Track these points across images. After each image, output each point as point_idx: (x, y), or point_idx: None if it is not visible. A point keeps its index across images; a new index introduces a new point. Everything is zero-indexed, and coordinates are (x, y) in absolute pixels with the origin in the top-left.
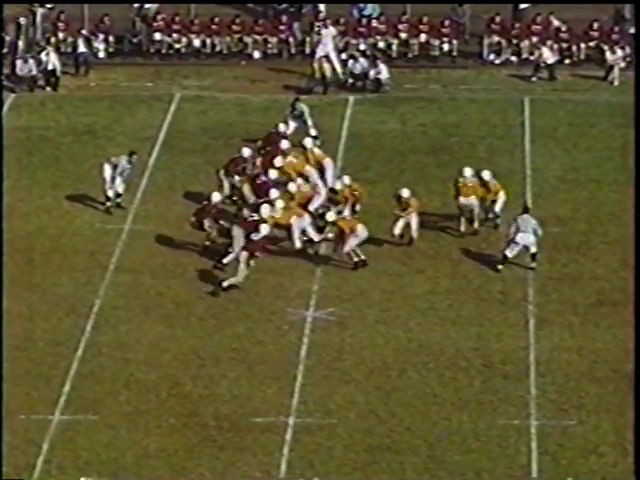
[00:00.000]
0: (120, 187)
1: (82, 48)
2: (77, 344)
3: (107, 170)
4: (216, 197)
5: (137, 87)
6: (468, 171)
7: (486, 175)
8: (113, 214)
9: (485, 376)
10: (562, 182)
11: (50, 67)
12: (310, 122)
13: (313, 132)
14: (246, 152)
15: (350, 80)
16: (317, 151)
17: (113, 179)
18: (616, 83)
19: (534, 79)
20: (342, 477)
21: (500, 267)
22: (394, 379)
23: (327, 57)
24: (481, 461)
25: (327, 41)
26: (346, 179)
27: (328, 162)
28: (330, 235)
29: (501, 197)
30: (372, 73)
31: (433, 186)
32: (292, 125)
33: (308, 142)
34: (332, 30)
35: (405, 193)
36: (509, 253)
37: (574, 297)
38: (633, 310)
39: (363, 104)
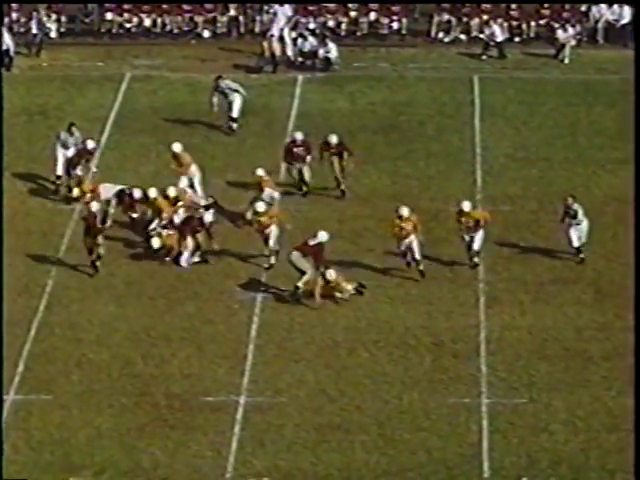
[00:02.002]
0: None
1: (35, 29)
2: (30, 324)
3: (58, 149)
4: (95, 206)
5: (88, 67)
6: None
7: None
8: (65, 195)
9: (435, 354)
10: (512, 160)
11: (4, 47)
12: (239, 101)
13: (235, 113)
14: (90, 144)
15: (299, 59)
16: (187, 157)
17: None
18: (566, 61)
19: (484, 57)
20: (292, 455)
21: (582, 256)
22: (344, 358)
23: (280, 37)
24: (431, 439)
25: (281, 20)
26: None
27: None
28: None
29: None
30: (321, 52)
31: (382, 165)
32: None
33: (176, 147)
34: (287, 9)
35: (405, 212)
36: (577, 243)
37: (524, 275)
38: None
39: (312, 83)
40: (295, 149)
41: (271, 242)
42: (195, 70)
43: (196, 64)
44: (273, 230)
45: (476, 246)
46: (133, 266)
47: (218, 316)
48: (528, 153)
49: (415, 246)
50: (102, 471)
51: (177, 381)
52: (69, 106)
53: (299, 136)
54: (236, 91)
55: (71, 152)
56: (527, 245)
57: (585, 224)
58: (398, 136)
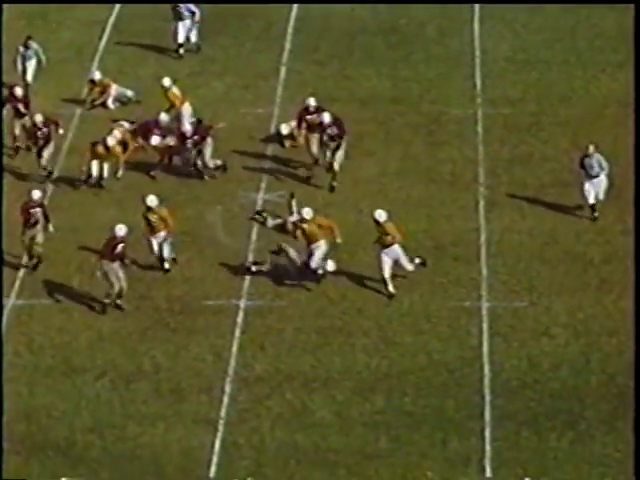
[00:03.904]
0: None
1: None
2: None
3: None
4: (37, 194)
5: None
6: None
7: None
8: (65, 99)
9: (436, 257)
10: (512, 63)
11: None
12: (193, 27)
13: (193, 38)
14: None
15: None
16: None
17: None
18: None
19: None
20: (293, 359)
21: (596, 214)
22: (345, 260)
23: None
24: (432, 342)
25: None
26: None
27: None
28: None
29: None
30: None
31: (382, 68)
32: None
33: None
34: None
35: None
36: (591, 200)
37: (524, 178)
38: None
39: None
40: (308, 117)
41: (166, 252)
42: None
43: None
44: (161, 236)
45: (409, 267)
46: (133, 169)
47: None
48: (527, 56)
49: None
50: (103, 374)
51: (178, 285)
52: (69, 11)
53: (312, 102)
54: (192, 13)
55: (32, 63)
56: (527, 148)
57: (604, 179)
58: (398, 39)
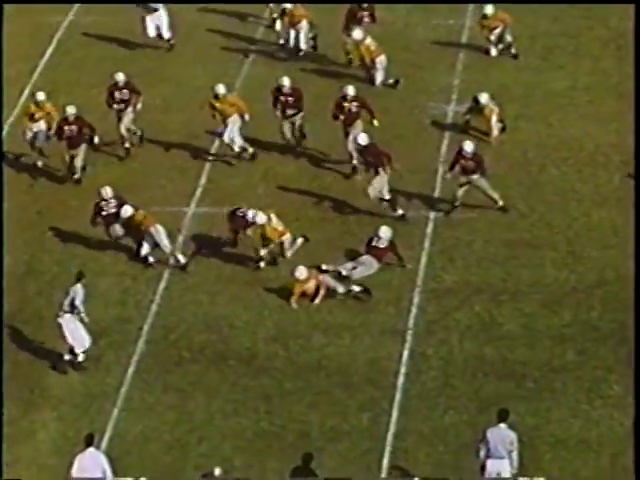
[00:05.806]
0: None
1: None
2: (213, 137)
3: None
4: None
5: None
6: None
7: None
8: (240, 36)
9: (624, 172)
10: None
11: None
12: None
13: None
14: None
15: None
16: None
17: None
18: None
19: None
20: (482, 271)
21: None
22: (534, 174)
23: None
24: (619, 257)
25: None
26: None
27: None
28: None
29: None
30: None
31: None
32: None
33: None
34: None
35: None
36: None
37: None
38: None
39: None
40: (345, 104)
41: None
42: None
43: None
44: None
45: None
46: (321, 81)
47: (409, 131)
48: None
49: None
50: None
51: (365, 196)
52: None
53: (350, 91)
54: None
55: (162, 14)
56: None
57: None
58: None
